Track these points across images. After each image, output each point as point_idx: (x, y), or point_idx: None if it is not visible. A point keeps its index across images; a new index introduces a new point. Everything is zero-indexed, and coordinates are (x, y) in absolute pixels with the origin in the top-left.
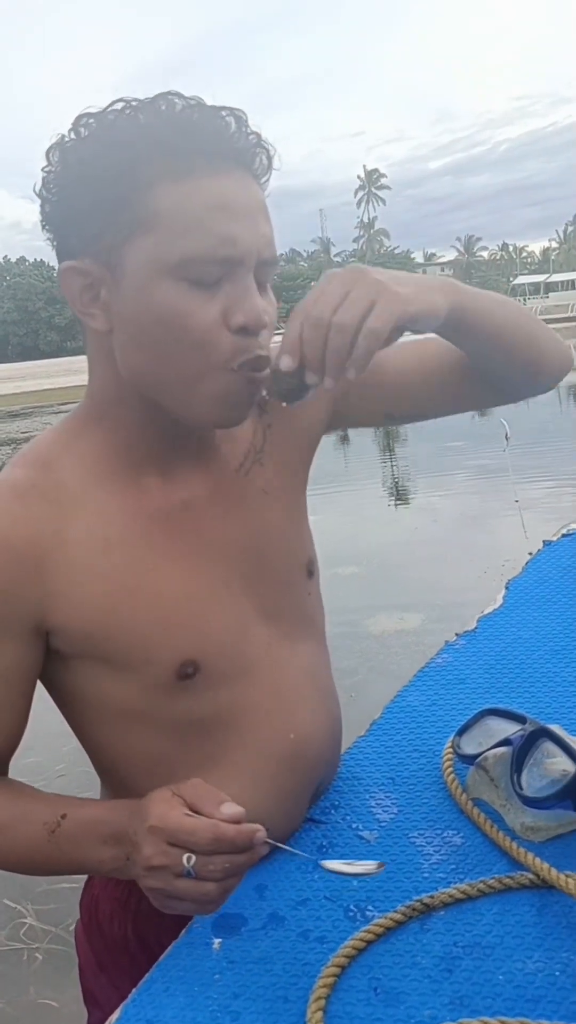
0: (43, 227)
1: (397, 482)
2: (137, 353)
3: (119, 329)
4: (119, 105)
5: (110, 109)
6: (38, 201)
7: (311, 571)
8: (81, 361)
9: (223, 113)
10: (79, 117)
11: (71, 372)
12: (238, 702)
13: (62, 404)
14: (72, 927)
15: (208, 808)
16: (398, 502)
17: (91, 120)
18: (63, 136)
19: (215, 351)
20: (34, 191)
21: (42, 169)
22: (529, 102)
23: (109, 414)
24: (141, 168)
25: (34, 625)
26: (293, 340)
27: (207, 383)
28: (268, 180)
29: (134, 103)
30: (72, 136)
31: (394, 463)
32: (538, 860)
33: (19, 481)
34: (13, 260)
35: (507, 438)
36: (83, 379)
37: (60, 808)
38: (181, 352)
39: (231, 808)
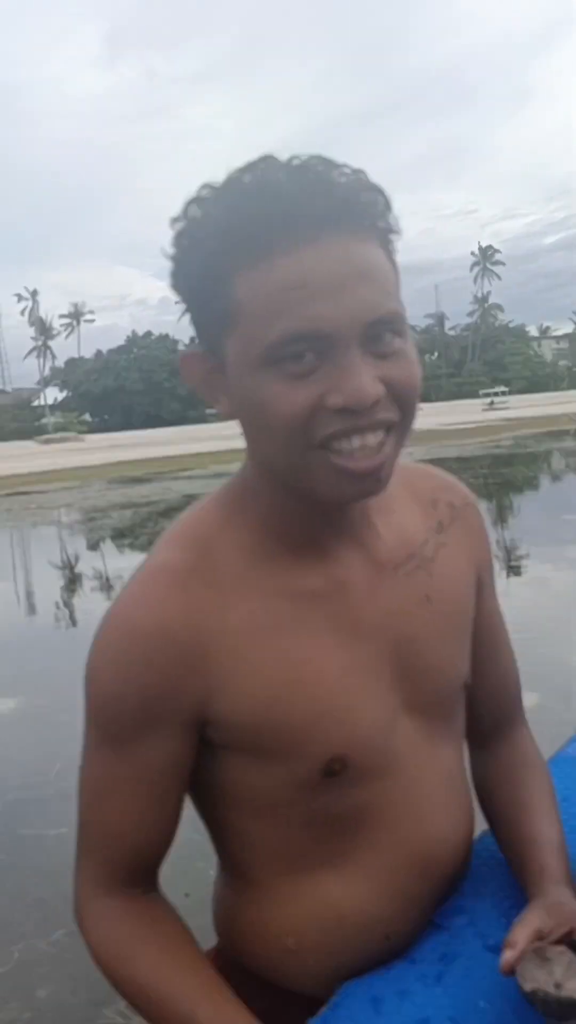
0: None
1: (511, 554)
2: (254, 439)
3: (237, 416)
4: (205, 192)
5: (196, 197)
6: (163, 279)
7: (465, 686)
8: (201, 430)
9: (307, 174)
10: (186, 204)
11: (192, 440)
12: (376, 800)
13: (182, 470)
14: None
15: None
16: (513, 575)
17: (187, 209)
18: (172, 221)
19: (313, 435)
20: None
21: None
22: None
23: (260, 494)
24: (220, 261)
25: (194, 718)
26: None
27: (313, 469)
28: (386, 220)
29: (215, 188)
30: (174, 228)
31: (508, 534)
32: None
33: (178, 565)
34: (140, 334)
35: None
36: (202, 447)
37: (199, 1013)
38: (281, 439)
39: None
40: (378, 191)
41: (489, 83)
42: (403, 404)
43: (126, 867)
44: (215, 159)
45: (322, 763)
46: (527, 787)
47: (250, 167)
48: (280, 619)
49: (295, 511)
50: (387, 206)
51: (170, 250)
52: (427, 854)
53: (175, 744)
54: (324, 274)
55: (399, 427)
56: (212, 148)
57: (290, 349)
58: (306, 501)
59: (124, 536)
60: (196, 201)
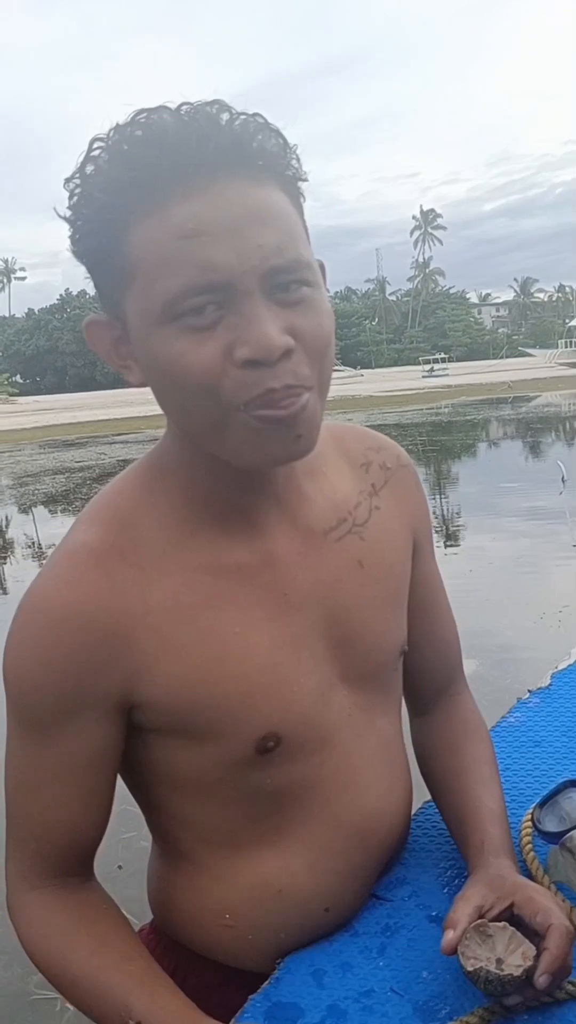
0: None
1: (448, 523)
2: (168, 405)
3: (148, 381)
4: (95, 146)
5: (87, 153)
6: None
7: (402, 653)
8: (135, 394)
9: (196, 117)
10: (79, 162)
11: (126, 404)
12: (312, 774)
13: (117, 435)
14: None
15: None
16: (449, 544)
17: (79, 166)
18: (65, 182)
19: (223, 393)
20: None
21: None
22: None
23: (180, 463)
24: (113, 214)
25: (120, 703)
26: (559, 961)
27: (230, 428)
28: (286, 163)
29: (102, 139)
30: (68, 188)
31: (445, 503)
32: None
33: (96, 543)
34: (75, 293)
35: (564, 480)
36: (137, 411)
37: (132, 1003)
38: (190, 401)
39: None
40: (275, 133)
41: (432, 45)
42: (316, 358)
43: (58, 859)
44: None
45: (255, 740)
46: (468, 755)
47: (138, 116)
48: (205, 596)
49: (218, 480)
50: (286, 149)
51: (66, 212)
52: (365, 826)
53: (102, 731)
54: (219, 219)
55: (317, 387)
56: (151, 102)
57: (189, 303)
58: (229, 468)
59: (57, 502)
60: (87, 157)
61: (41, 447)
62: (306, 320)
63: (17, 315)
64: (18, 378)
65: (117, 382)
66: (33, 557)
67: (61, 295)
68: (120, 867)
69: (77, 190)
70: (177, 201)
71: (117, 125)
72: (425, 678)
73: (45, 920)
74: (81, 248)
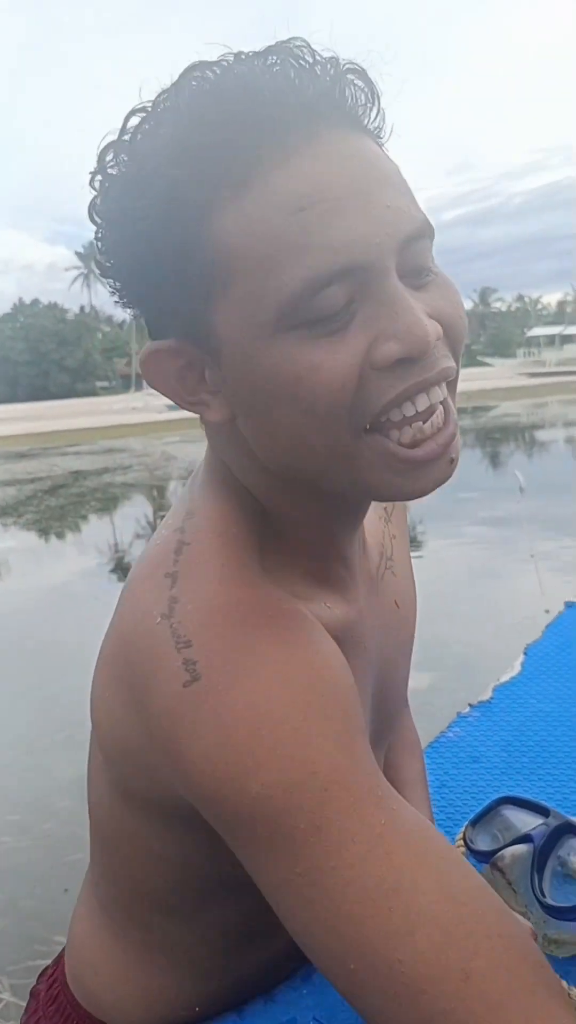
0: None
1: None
2: (272, 440)
3: (242, 414)
4: (135, 120)
5: (130, 128)
6: (55, 245)
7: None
8: (90, 403)
9: (271, 59)
10: (104, 150)
11: (80, 414)
12: None
13: (69, 446)
14: None
15: None
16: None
17: (116, 152)
18: (92, 177)
19: (364, 411)
20: (94, 256)
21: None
22: (544, 155)
23: (269, 514)
24: (191, 194)
25: None
26: None
27: (368, 456)
28: (380, 118)
29: (155, 106)
30: (99, 177)
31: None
32: (563, 983)
33: (278, 602)
34: (27, 302)
35: (521, 489)
36: (91, 421)
37: None
38: (318, 427)
39: None
40: (362, 75)
41: (391, 53)
42: (457, 347)
43: None
44: (119, 118)
45: None
46: (407, 772)
47: (200, 71)
48: (344, 663)
49: (320, 521)
50: (376, 97)
51: (98, 213)
52: None
53: None
54: (337, 179)
55: (455, 379)
56: (115, 106)
57: (317, 300)
58: (327, 505)
59: (7, 515)
60: (128, 134)
61: None
62: (445, 301)
63: None
64: None
65: (71, 392)
66: None
67: (14, 304)
68: (66, 890)
69: (127, 175)
70: (279, 163)
71: (173, 86)
72: None
73: None
74: (132, 256)
